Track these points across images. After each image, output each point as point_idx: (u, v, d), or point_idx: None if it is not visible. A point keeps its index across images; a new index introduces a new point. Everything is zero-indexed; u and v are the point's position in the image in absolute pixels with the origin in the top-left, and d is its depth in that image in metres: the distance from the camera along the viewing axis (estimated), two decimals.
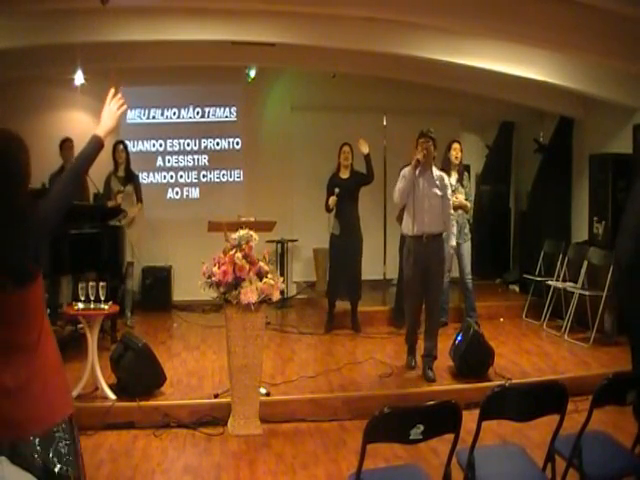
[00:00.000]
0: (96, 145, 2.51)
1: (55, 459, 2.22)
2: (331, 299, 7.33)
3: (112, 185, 7.24)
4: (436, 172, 5.66)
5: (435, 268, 5.58)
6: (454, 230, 6.01)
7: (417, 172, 5.52)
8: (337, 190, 7.03)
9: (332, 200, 7.05)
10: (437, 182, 5.60)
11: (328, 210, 7.16)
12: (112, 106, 2.60)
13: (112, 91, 2.64)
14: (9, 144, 2.23)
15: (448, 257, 6.78)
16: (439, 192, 5.58)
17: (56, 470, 2.21)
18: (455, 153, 7.14)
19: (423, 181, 5.56)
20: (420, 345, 5.84)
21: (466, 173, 7.36)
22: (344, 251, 7.15)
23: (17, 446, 2.16)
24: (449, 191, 5.72)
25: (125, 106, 2.64)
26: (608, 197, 7.18)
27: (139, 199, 7.39)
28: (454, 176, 7.17)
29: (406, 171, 5.58)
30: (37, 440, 2.20)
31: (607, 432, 3.42)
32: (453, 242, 5.95)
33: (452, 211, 5.96)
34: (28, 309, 2.22)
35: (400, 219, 6.03)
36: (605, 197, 7.24)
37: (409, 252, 5.63)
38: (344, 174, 7.21)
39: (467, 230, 7.16)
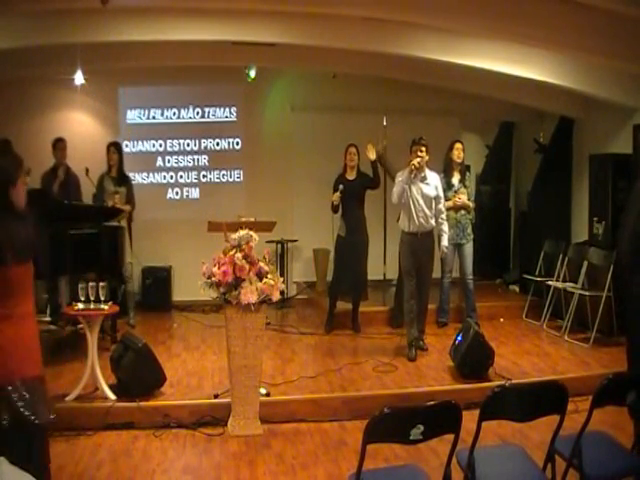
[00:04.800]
0: None
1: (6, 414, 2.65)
2: (332, 298, 7.31)
3: (105, 185, 7.19)
4: (430, 174, 6.27)
5: (426, 260, 6.33)
6: (445, 228, 6.37)
7: (413, 176, 6.11)
8: (341, 187, 6.99)
9: (335, 196, 7.00)
10: (430, 183, 6.24)
11: (334, 209, 7.13)
12: None
13: None
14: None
15: (448, 259, 6.88)
16: (432, 193, 6.24)
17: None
18: (457, 153, 7.13)
19: (418, 184, 6.17)
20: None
21: (468, 173, 7.35)
22: (349, 252, 7.12)
23: None
24: (441, 191, 6.34)
25: None
26: (608, 197, 7.18)
27: (131, 201, 7.31)
28: (456, 176, 7.16)
29: (402, 175, 6.17)
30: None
31: (607, 432, 3.42)
32: (445, 242, 6.40)
33: (454, 212, 6.99)
34: (20, 285, 2.76)
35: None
36: (605, 197, 7.23)
37: (405, 245, 6.35)
38: (350, 175, 7.17)
39: (470, 230, 7.16)
